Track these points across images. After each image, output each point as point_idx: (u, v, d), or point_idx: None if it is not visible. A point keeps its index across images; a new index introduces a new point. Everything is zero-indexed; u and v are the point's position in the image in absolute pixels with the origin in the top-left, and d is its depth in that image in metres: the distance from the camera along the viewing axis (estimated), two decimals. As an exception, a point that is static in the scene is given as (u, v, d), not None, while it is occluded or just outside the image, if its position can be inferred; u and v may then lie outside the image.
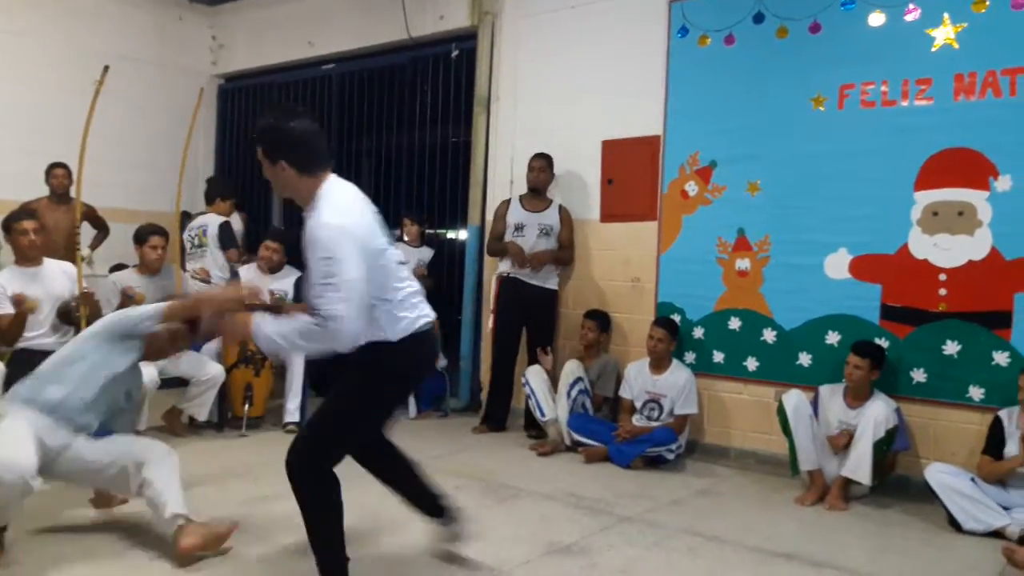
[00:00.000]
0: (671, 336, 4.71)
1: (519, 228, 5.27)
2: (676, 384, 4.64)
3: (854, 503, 3.93)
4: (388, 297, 2.53)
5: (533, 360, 5.18)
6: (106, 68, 4.61)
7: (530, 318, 5.32)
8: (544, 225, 5.25)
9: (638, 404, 4.75)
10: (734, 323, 4.76)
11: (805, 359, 4.51)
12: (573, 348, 5.25)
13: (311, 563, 2.58)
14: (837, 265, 4.41)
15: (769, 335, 4.63)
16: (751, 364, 4.69)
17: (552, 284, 5.32)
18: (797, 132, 4.54)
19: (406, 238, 6.03)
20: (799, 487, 4.12)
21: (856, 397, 4.05)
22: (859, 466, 3.84)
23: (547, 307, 5.33)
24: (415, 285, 2.67)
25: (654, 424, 4.63)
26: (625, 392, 4.83)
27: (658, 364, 4.72)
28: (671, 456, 4.55)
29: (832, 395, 4.15)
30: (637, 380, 4.78)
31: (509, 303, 5.31)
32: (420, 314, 2.62)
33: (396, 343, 2.54)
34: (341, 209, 2.46)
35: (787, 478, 4.23)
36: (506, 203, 5.45)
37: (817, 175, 4.47)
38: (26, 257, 4.49)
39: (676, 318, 4.90)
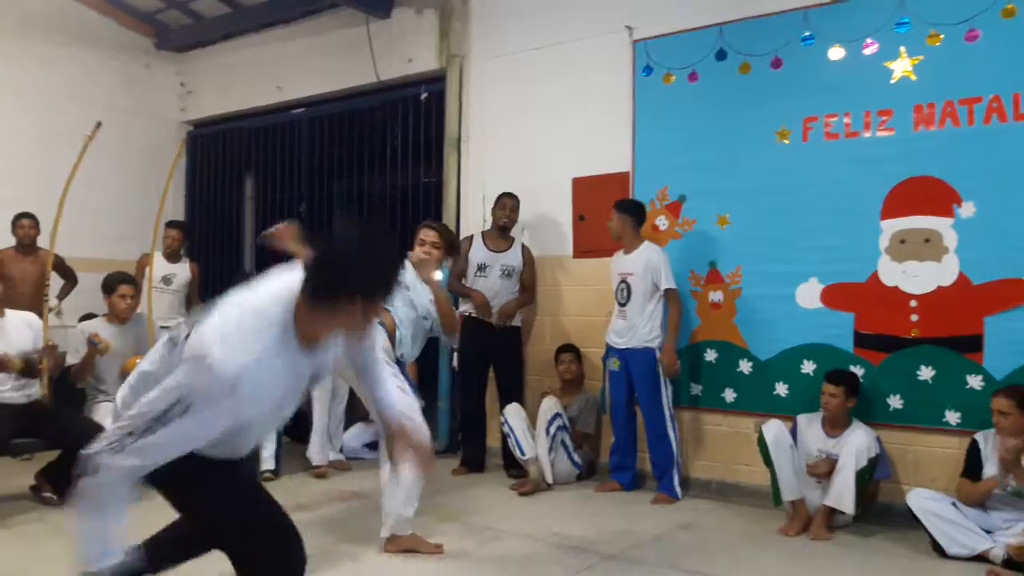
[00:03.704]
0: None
1: (481, 268, 5.27)
2: (642, 262, 4.63)
3: (838, 532, 3.92)
4: None
5: (505, 400, 5.15)
6: (98, 124, 4.57)
7: (495, 357, 5.30)
8: (506, 266, 5.25)
9: (614, 286, 4.76)
10: (710, 355, 4.78)
11: (782, 389, 4.52)
12: (551, 384, 5.22)
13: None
14: (809, 295, 4.45)
15: (745, 366, 4.65)
16: (729, 395, 4.70)
17: (516, 322, 5.32)
18: (763, 165, 4.61)
19: None
20: (782, 518, 4.10)
21: (834, 425, 4.07)
22: (842, 495, 3.84)
23: (511, 345, 5.32)
24: None
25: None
26: None
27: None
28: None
29: (810, 424, 4.16)
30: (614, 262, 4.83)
31: (472, 343, 5.29)
32: None
33: None
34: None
35: (770, 509, 4.22)
36: (468, 240, 5.45)
37: (785, 206, 4.53)
38: None
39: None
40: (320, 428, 5.23)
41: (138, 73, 7.48)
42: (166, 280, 6.03)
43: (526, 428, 4.86)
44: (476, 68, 5.89)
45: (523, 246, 5.35)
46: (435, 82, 6.13)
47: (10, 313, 4.49)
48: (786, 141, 4.55)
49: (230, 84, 7.44)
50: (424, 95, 6.21)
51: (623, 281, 4.69)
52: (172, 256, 6.17)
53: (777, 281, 4.54)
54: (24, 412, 4.35)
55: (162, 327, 5.78)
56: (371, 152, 6.62)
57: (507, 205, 5.33)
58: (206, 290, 7.13)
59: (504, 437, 4.96)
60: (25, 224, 5.74)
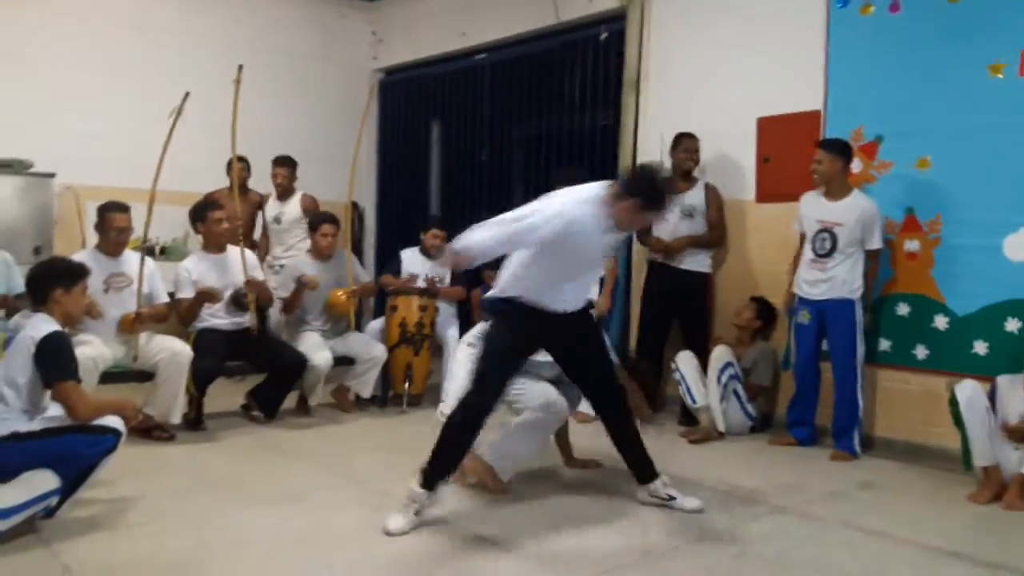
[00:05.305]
0: None
1: None
2: (855, 213, 4.38)
3: (1037, 504, 3.63)
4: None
5: (692, 349, 5.08)
6: (240, 67, 4.88)
7: (681, 304, 5.21)
8: (687, 206, 5.12)
9: (810, 234, 4.54)
10: (902, 309, 4.50)
11: (981, 348, 4.20)
12: (728, 333, 5.11)
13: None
14: (1019, 246, 4.07)
15: (940, 322, 4.34)
16: (920, 352, 4.42)
17: (703, 267, 5.19)
18: (972, 102, 4.22)
19: None
20: (972, 483, 3.84)
21: (1040, 389, 3.73)
22: (1044, 465, 3.54)
23: (698, 292, 5.21)
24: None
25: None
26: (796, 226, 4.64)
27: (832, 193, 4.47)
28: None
29: (1012, 386, 3.82)
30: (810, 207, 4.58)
31: (657, 290, 5.25)
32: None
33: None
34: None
35: (958, 474, 3.97)
36: None
37: (995, 148, 4.14)
38: (217, 245, 4.92)
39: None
40: None
41: (332, 22, 7.89)
42: (276, 220, 6.20)
43: (698, 376, 4.81)
44: (658, 4, 5.72)
45: (706, 184, 5.20)
46: (615, 21, 6.02)
47: (231, 249, 5.00)
48: (999, 75, 4.12)
49: (417, 32, 7.68)
50: (604, 35, 6.13)
51: (826, 230, 4.45)
52: (284, 194, 6.20)
53: (982, 230, 4.18)
54: (236, 338, 4.86)
55: (280, 265, 5.90)
56: (550, 96, 6.63)
57: (688, 147, 5.19)
58: (397, 234, 7.43)
59: (677, 385, 4.94)
60: (238, 167, 6.26)
